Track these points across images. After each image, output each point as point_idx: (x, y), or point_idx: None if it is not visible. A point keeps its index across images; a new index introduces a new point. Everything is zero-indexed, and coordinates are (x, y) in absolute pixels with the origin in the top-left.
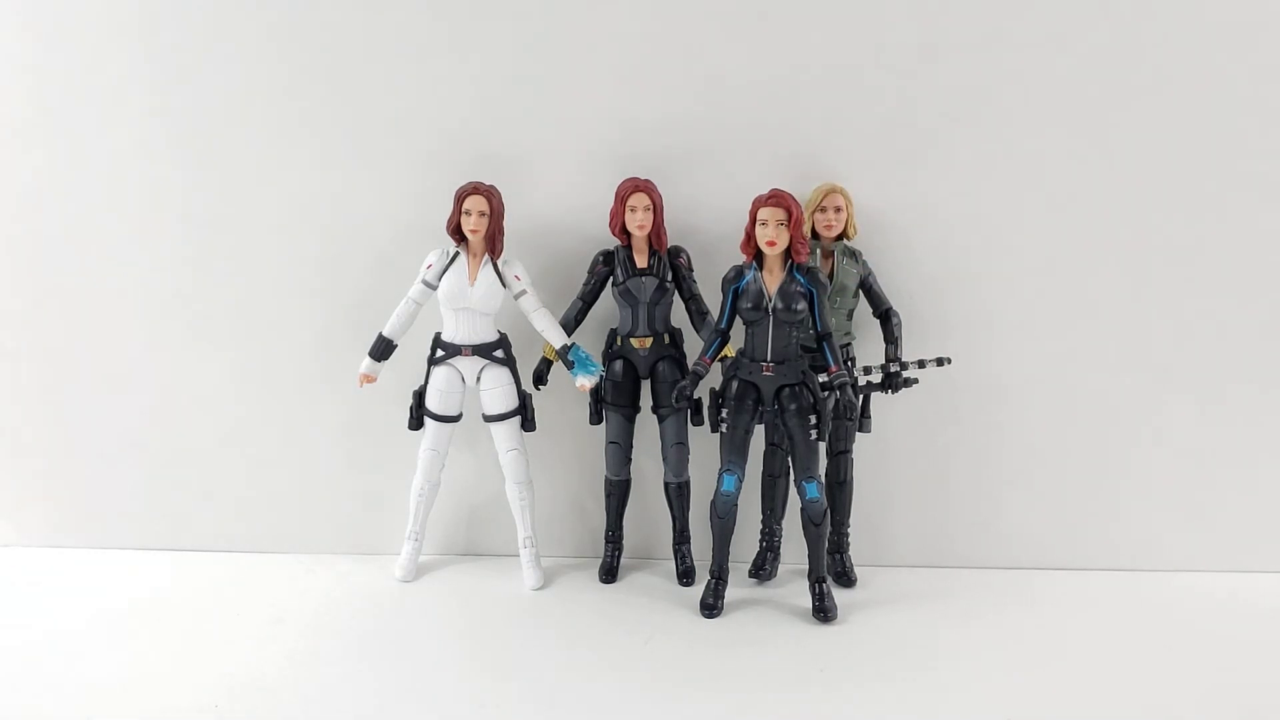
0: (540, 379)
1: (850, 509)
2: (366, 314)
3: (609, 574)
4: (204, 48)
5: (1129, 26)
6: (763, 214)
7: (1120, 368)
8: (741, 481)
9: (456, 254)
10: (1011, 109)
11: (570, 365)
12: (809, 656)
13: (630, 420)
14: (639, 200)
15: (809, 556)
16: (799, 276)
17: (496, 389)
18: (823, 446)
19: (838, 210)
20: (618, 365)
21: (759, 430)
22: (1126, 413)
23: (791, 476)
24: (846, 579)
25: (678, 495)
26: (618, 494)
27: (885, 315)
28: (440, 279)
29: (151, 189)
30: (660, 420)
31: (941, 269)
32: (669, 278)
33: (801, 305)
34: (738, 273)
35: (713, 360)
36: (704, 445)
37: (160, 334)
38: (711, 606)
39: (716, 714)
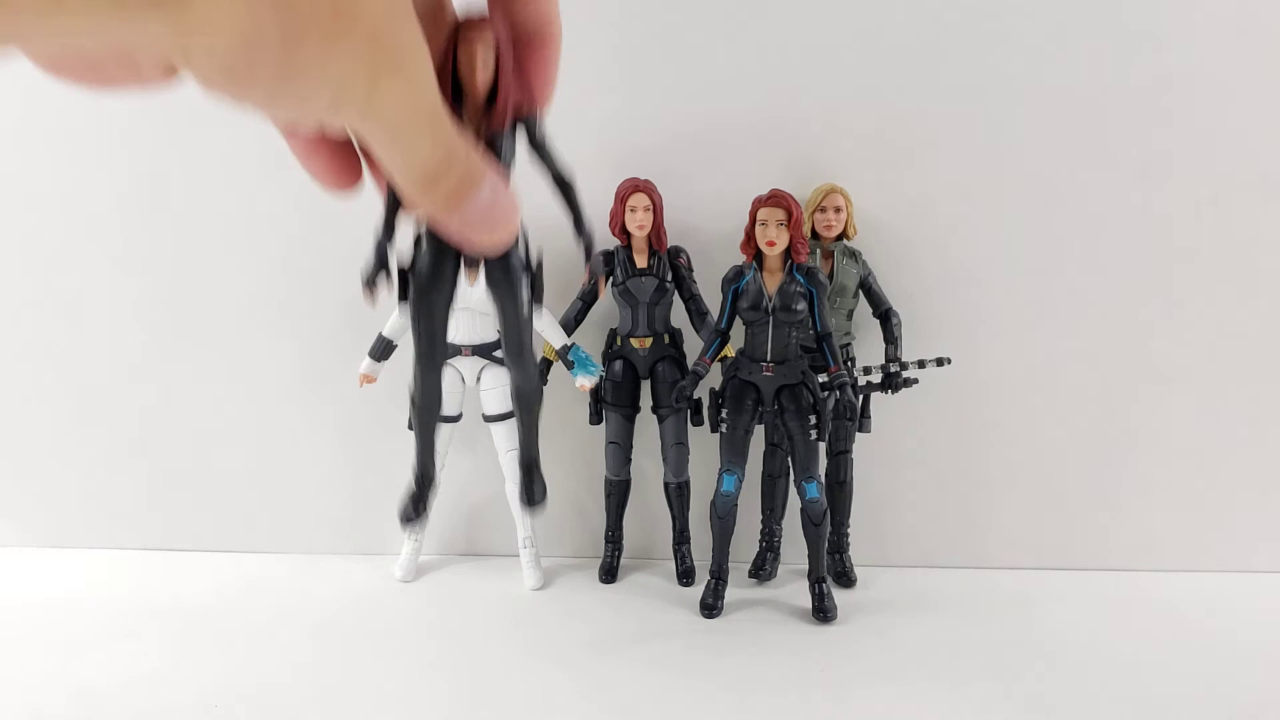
0: (540, 379)
1: (850, 509)
2: (367, 314)
3: (609, 574)
4: None
5: (1129, 26)
6: (762, 214)
7: (1120, 368)
8: (741, 481)
9: None
10: (1010, 109)
11: (570, 365)
12: (809, 656)
13: (630, 420)
14: (639, 200)
15: (809, 557)
16: (799, 277)
17: (496, 389)
18: (823, 446)
19: (837, 210)
20: (617, 365)
21: (759, 430)
22: (1126, 413)
23: (791, 477)
24: (846, 579)
25: (678, 495)
26: (618, 494)
27: (885, 315)
28: None
29: (151, 187)
30: (660, 420)
31: (941, 269)
32: (669, 278)
33: (801, 305)
34: (737, 273)
35: (713, 360)
36: (704, 445)
37: (160, 334)
38: (711, 606)
39: (716, 714)
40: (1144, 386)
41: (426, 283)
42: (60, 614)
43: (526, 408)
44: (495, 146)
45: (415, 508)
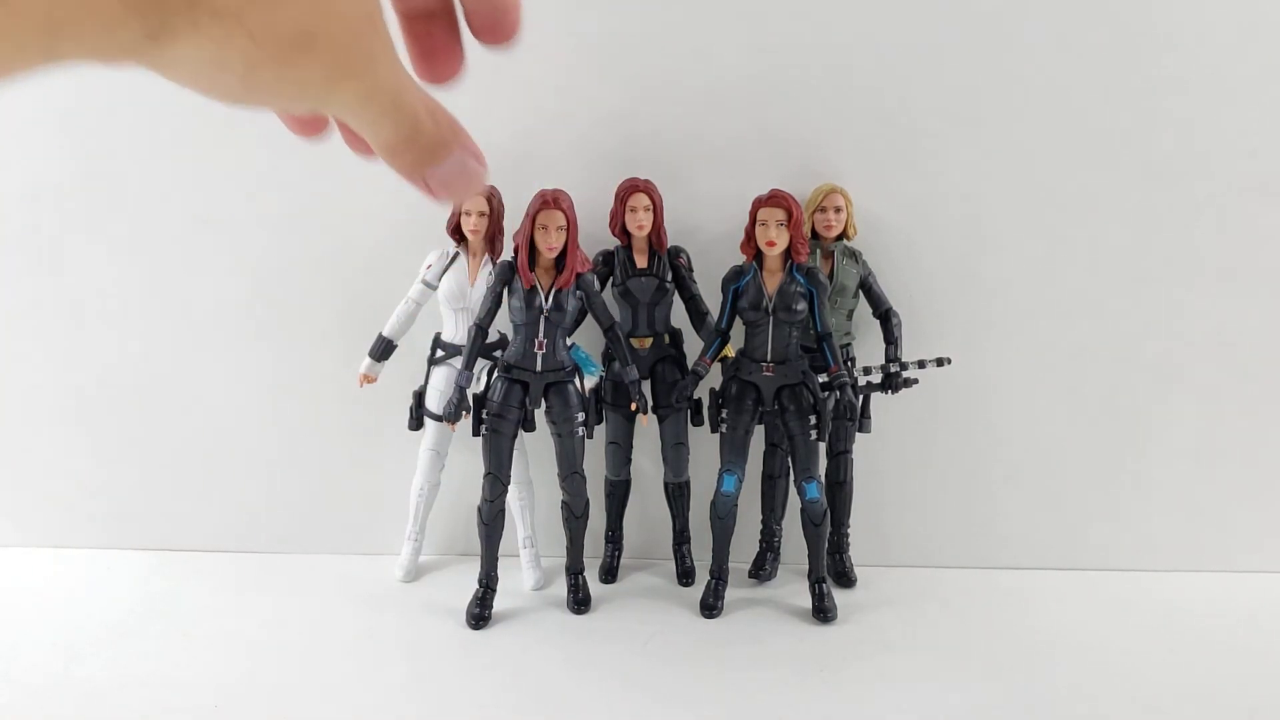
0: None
1: (850, 509)
2: (366, 314)
3: (609, 574)
4: None
5: (1129, 26)
6: (762, 214)
7: (1120, 368)
8: (741, 482)
9: (456, 254)
10: (1011, 109)
11: None
12: (809, 656)
13: (630, 420)
14: (639, 200)
15: (809, 557)
16: (799, 277)
17: None
18: (823, 447)
19: (838, 210)
20: (618, 365)
21: (759, 430)
22: (1126, 413)
23: (791, 477)
24: (846, 579)
25: (678, 495)
26: (618, 494)
27: (885, 315)
28: (440, 279)
29: (151, 187)
30: (660, 420)
31: (941, 269)
32: (669, 278)
33: (801, 305)
34: (737, 273)
35: (713, 361)
36: (704, 445)
37: (159, 333)
38: (711, 607)
39: (716, 714)
40: (1144, 387)
41: (499, 410)
42: (60, 614)
43: (574, 524)
44: (560, 299)
45: (483, 611)
